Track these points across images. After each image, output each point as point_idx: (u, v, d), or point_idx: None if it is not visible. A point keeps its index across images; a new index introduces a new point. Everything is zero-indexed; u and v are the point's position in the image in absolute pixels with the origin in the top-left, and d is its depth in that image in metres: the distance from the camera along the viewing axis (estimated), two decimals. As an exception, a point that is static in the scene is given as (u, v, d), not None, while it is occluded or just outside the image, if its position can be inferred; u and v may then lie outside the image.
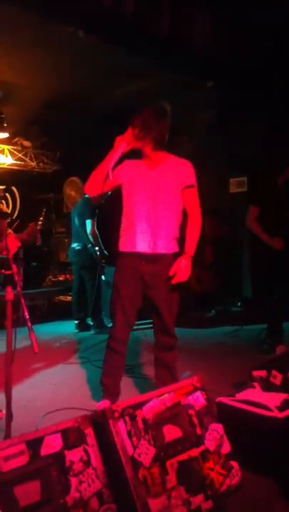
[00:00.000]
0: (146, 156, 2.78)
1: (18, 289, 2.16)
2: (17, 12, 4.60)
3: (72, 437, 1.61)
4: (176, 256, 2.81)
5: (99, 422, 1.69)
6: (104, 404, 2.71)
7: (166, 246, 2.78)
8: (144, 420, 1.78)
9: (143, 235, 2.76)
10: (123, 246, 2.86)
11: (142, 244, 2.76)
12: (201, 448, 1.85)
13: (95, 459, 1.63)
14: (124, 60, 5.62)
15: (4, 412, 2.47)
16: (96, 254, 5.33)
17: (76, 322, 5.60)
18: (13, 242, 2.58)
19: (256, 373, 2.71)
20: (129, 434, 1.72)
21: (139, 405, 1.81)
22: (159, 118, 2.75)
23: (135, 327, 5.46)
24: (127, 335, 2.93)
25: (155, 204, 2.74)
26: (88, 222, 5.29)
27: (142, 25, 4.88)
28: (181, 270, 2.75)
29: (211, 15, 5.19)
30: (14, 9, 4.53)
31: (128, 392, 3.12)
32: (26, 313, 2.17)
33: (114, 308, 2.85)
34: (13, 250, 2.62)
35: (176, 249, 2.85)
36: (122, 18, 4.66)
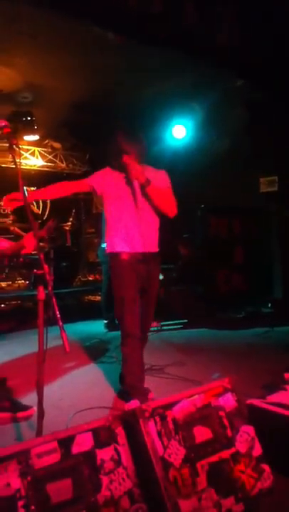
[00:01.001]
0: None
1: (50, 288, 2.18)
2: (47, 15, 4.67)
3: (103, 436, 1.62)
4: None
5: (129, 422, 1.69)
6: (133, 403, 2.82)
7: (154, 245, 3.14)
8: (174, 421, 1.78)
9: (136, 236, 3.04)
10: (118, 247, 3.07)
11: (138, 245, 3.03)
12: (232, 450, 1.83)
13: (126, 459, 1.64)
14: (154, 60, 5.63)
15: (36, 409, 2.52)
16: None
17: (105, 322, 5.63)
18: (30, 241, 2.62)
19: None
20: (159, 434, 1.72)
21: (169, 406, 1.81)
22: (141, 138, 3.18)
23: (163, 327, 5.50)
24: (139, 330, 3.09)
25: (142, 208, 3.07)
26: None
27: (170, 24, 4.87)
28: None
29: (240, 12, 5.13)
30: (44, 12, 4.61)
31: (158, 393, 3.12)
32: (57, 313, 2.20)
33: (123, 307, 3.00)
34: (30, 249, 2.67)
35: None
36: (151, 17, 4.66)
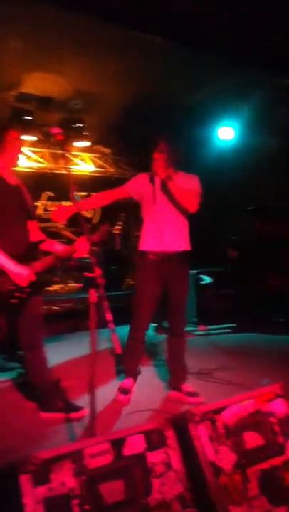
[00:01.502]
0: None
1: (101, 291, 2.23)
2: (97, 23, 4.77)
3: (154, 439, 1.64)
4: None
5: (180, 425, 1.71)
6: (128, 382, 3.32)
7: (182, 244, 3.30)
8: (224, 425, 1.77)
9: (163, 236, 3.22)
10: (144, 246, 3.29)
11: (164, 244, 3.21)
12: (284, 457, 1.80)
13: (176, 462, 1.65)
14: (201, 61, 5.63)
15: (88, 410, 2.58)
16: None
17: (154, 325, 5.67)
18: (82, 245, 2.69)
19: None
20: (210, 438, 1.72)
21: (219, 410, 1.80)
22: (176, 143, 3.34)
23: (211, 331, 5.47)
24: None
25: (168, 208, 3.24)
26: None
27: (219, 26, 4.85)
28: None
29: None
30: (95, 20, 4.71)
31: (206, 397, 3.11)
32: (109, 315, 2.25)
33: (140, 301, 3.27)
34: (82, 253, 2.74)
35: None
36: (199, 20, 4.66)
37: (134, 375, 3.43)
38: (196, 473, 1.65)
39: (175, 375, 3.35)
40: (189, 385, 3.32)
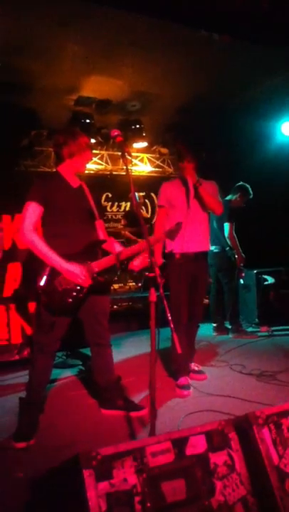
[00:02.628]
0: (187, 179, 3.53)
1: (161, 291, 2.22)
2: (154, 24, 4.78)
3: (216, 440, 1.61)
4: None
5: (243, 427, 1.66)
6: (184, 380, 3.45)
7: (205, 245, 3.65)
8: (290, 430, 1.71)
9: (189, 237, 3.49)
10: (171, 247, 3.53)
11: (190, 245, 3.51)
12: None
13: (240, 465, 1.61)
14: (260, 57, 5.49)
15: (148, 410, 2.60)
16: (234, 257, 5.26)
17: (214, 325, 5.60)
18: (142, 260, 2.71)
19: None
20: (274, 442, 1.67)
21: (284, 414, 1.74)
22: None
23: (274, 332, 5.30)
24: None
25: (194, 211, 3.55)
26: (226, 226, 5.25)
27: (277, 23, 4.71)
28: None
29: None
30: (151, 21, 4.73)
31: (269, 400, 3.02)
32: (169, 315, 2.24)
33: (179, 301, 3.48)
34: (139, 267, 2.76)
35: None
36: (256, 16, 4.55)
37: (187, 371, 3.66)
38: (260, 477, 1.60)
39: (186, 356, 3.63)
40: (196, 364, 3.83)
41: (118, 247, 2.87)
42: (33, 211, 2.68)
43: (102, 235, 2.98)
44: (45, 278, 2.61)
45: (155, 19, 4.65)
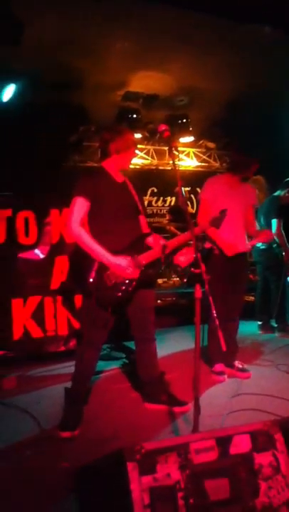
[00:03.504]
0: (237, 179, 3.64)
1: (206, 287, 2.21)
2: (201, 18, 4.73)
3: (261, 440, 1.59)
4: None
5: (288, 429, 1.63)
6: (219, 367, 3.63)
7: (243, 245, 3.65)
8: None
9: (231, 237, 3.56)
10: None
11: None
12: None
13: (285, 467, 1.58)
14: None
15: (191, 406, 2.58)
16: (281, 254, 5.13)
17: (259, 323, 5.49)
18: (188, 254, 2.69)
19: None
20: None
21: None
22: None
23: None
24: None
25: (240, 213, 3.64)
26: (274, 222, 5.12)
27: None
28: None
29: None
30: (199, 16, 4.68)
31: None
32: (214, 312, 2.22)
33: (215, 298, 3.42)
34: (185, 263, 2.74)
35: None
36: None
37: (223, 360, 3.70)
38: (307, 481, 1.56)
39: (229, 354, 3.60)
40: (240, 362, 3.78)
41: (162, 241, 2.87)
42: (80, 206, 2.72)
43: (145, 229, 3.00)
44: (94, 274, 2.64)
45: (203, 14, 4.59)
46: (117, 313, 2.81)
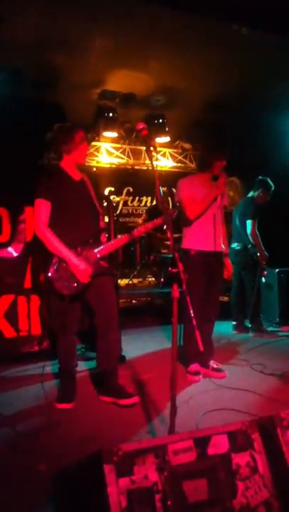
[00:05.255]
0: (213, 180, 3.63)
1: (184, 287, 2.20)
2: (181, 18, 4.73)
3: (239, 440, 1.58)
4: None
5: (267, 429, 1.63)
6: (195, 366, 3.62)
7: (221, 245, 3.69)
8: (315, 433, 1.66)
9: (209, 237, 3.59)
10: (189, 244, 3.62)
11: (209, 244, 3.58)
12: None
13: (263, 467, 1.58)
14: (287, 55, 5.40)
15: (138, 399, 2.87)
16: (257, 255, 5.18)
17: (234, 323, 5.53)
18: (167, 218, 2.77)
19: None
20: (298, 445, 1.62)
21: (310, 416, 1.69)
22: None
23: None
24: None
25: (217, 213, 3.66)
26: (249, 223, 5.17)
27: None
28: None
29: None
30: (179, 15, 4.67)
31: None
32: (191, 311, 2.21)
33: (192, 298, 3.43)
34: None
35: None
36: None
37: (199, 360, 3.68)
38: (284, 480, 1.56)
39: (205, 354, 3.58)
40: (216, 362, 3.77)
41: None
42: (43, 208, 2.90)
43: (102, 224, 3.22)
44: (52, 268, 2.87)
45: (183, 13, 4.60)
46: (79, 303, 3.04)
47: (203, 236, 3.59)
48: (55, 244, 2.86)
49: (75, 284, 2.89)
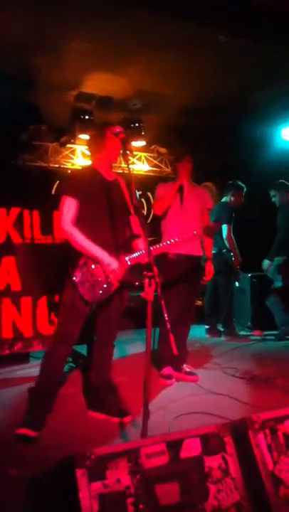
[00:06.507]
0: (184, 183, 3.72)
1: (159, 290, 2.20)
2: (163, 22, 4.75)
3: (211, 443, 1.59)
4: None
5: (238, 431, 1.64)
6: (168, 370, 3.63)
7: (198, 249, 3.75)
8: (285, 435, 1.69)
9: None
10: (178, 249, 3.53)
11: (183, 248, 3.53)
12: None
13: (234, 469, 1.59)
14: (263, 62, 5.49)
15: (130, 417, 2.69)
16: (231, 259, 5.25)
17: (207, 327, 5.58)
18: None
19: None
20: (269, 447, 1.65)
21: (281, 419, 1.72)
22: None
23: (267, 337, 5.30)
24: None
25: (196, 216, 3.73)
26: (224, 227, 5.23)
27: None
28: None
29: None
30: (160, 20, 4.70)
31: (260, 403, 3.01)
32: (166, 315, 2.21)
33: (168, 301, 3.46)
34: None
35: None
36: (270, 17, 4.55)
37: (172, 364, 3.69)
38: (255, 482, 1.58)
39: (179, 358, 3.61)
40: (188, 366, 3.80)
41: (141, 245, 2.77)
42: (69, 205, 2.71)
43: (136, 230, 2.90)
44: (78, 270, 2.65)
45: (161, 17, 4.63)
46: (88, 311, 2.76)
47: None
48: (83, 242, 2.64)
49: (101, 292, 2.65)
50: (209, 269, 3.81)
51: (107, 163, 2.89)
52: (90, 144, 2.96)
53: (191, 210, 3.72)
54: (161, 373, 3.63)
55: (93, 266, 2.66)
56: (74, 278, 2.64)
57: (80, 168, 3.04)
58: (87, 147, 2.96)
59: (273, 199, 5.40)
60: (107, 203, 2.78)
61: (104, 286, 2.66)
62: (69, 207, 2.71)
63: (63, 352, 2.77)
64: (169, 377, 3.61)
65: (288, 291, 5.14)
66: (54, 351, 2.77)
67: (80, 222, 2.72)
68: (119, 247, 2.75)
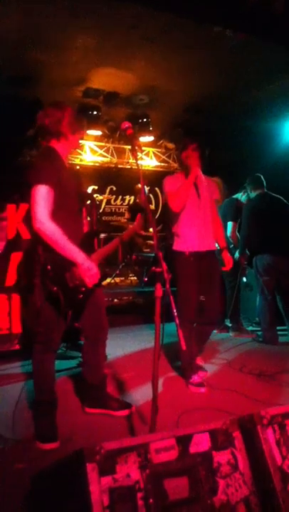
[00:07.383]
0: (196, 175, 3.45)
1: (167, 286, 2.20)
2: (166, 18, 4.74)
3: (220, 439, 1.60)
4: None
5: (247, 427, 1.65)
6: (197, 378, 3.39)
7: (212, 244, 3.61)
8: (294, 431, 1.69)
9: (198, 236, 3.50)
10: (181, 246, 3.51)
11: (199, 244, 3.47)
12: None
13: (243, 464, 1.60)
14: (269, 59, 5.47)
15: (133, 408, 2.69)
16: (236, 256, 5.24)
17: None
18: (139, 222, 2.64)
19: None
20: (277, 443, 1.65)
21: (289, 415, 1.73)
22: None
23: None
24: None
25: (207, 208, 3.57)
26: (229, 224, 5.22)
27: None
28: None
29: None
30: (164, 16, 4.69)
31: (267, 399, 3.02)
32: (175, 310, 2.22)
33: (189, 300, 3.41)
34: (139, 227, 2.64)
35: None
36: (272, 15, 4.52)
37: (199, 368, 3.56)
38: (263, 478, 1.59)
39: (195, 353, 3.60)
40: (200, 358, 3.83)
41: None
42: (47, 196, 2.35)
43: (86, 222, 2.92)
44: (56, 274, 2.37)
45: (169, 14, 4.61)
46: (74, 314, 2.62)
47: (193, 237, 3.48)
48: (61, 239, 2.32)
49: (81, 296, 2.46)
50: (227, 258, 3.73)
51: (70, 149, 2.70)
52: (59, 120, 2.52)
53: (207, 202, 3.57)
54: (190, 381, 3.39)
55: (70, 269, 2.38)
56: (52, 282, 2.34)
57: (43, 150, 2.59)
58: (52, 123, 2.50)
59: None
60: (71, 192, 2.53)
61: (83, 289, 2.44)
62: (46, 197, 2.34)
63: (49, 359, 2.60)
64: (200, 385, 3.36)
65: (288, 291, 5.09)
66: (43, 361, 2.58)
67: (52, 215, 2.37)
68: (83, 244, 2.49)
